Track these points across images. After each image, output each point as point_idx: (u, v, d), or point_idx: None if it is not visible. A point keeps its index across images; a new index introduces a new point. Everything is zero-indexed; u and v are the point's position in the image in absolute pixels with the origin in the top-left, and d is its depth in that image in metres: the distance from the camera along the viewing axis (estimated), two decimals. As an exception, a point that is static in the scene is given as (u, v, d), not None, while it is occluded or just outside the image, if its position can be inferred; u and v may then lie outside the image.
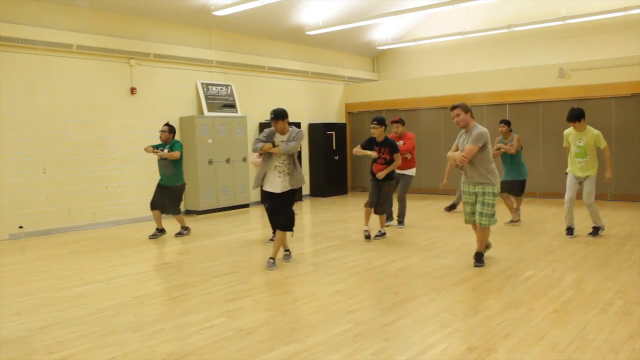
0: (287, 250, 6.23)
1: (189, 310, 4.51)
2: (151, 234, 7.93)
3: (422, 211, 9.88)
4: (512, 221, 8.37)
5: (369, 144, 7.14)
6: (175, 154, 7.59)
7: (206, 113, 10.50)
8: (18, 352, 3.64)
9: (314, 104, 13.29)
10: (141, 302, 4.71)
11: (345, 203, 11.84)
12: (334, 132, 13.07)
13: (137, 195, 9.62)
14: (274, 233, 6.73)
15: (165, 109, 10.07)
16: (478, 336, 3.67)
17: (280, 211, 5.84)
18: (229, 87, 11.15)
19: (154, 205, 7.85)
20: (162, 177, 7.83)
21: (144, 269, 6.04)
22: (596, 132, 6.83)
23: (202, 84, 10.65)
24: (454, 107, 5.62)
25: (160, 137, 7.82)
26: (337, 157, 13.13)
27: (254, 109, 11.70)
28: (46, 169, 8.50)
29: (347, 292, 4.83)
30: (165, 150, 7.67)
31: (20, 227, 8.17)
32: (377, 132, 7.05)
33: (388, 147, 7.04)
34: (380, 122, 7.06)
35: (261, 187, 5.89)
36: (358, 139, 13.93)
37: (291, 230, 5.91)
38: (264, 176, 5.79)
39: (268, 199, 6.02)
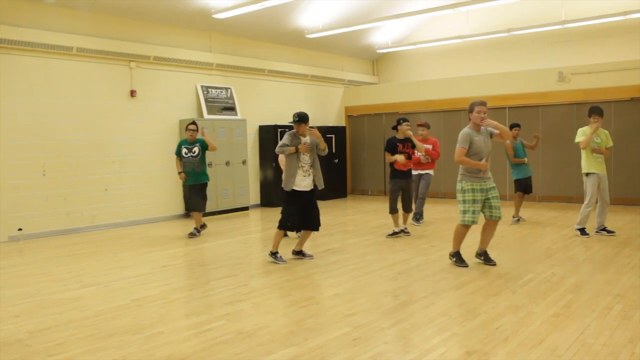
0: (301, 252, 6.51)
1: (188, 313, 4.51)
2: (190, 232, 8.25)
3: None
4: (520, 218, 8.74)
5: (391, 143, 7.48)
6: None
7: (206, 116, 10.51)
8: (17, 355, 3.63)
9: (313, 107, 13.29)
10: (140, 305, 4.70)
11: (345, 206, 11.83)
12: (333, 135, 13.07)
13: (137, 197, 9.63)
14: (298, 232, 7.01)
15: (165, 112, 10.09)
16: (477, 340, 3.66)
17: (307, 211, 6.15)
18: (229, 90, 11.16)
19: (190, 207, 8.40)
20: (189, 176, 8.07)
21: (143, 271, 6.04)
22: (606, 131, 7.35)
23: (202, 86, 10.66)
24: (485, 103, 5.68)
25: (192, 135, 8.05)
26: (336, 160, 13.13)
27: (253, 112, 11.71)
28: (46, 172, 8.50)
29: (346, 296, 4.83)
30: (196, 149, 8.01)
31: (20, 229, 8.17)
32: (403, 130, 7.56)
33: (411, 142, 7.52)
34: (404, 120, 7.62)
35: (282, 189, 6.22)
36: (358, 143, 14.03)
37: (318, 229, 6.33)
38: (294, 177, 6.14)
39: (296, 197, 6.13)
